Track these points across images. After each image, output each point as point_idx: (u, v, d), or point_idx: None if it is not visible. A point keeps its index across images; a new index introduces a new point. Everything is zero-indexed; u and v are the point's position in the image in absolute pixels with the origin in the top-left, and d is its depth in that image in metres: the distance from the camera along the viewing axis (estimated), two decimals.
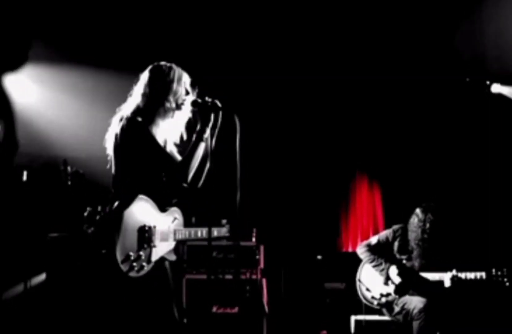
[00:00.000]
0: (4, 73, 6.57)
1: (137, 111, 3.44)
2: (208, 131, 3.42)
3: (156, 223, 3.33)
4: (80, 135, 6.56)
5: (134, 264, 3.18)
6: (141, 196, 3.27)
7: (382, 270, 5.37)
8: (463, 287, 5.29)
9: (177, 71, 3.52)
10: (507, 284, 5.06)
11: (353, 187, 7.32)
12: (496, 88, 5.51)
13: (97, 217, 5.47)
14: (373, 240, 5.57)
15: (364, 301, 5.47)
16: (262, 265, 5.77)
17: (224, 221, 4.06)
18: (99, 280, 5.13)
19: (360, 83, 6.87)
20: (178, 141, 3.60)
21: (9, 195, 6.15)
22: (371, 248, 5.50)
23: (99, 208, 5.48)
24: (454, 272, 5.15)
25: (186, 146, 3.50)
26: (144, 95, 3.48)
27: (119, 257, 3.13)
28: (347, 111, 7.12)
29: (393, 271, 5.33)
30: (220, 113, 3.40)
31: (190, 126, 3.57)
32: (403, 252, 5.44)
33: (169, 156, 3.49)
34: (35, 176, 6.07)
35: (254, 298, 5.61)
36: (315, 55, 6.91)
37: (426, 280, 5.26)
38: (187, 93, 3.54)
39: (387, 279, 5.34)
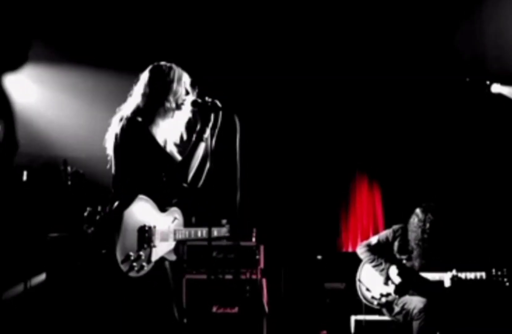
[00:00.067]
0: (4, 73, 6.57)
1: (137, 111, 3.44)
2: (208, 131, 3.42)
3: (156, 223, 3.33)
4: (80, 135, 6.56)
5: (134, 264, 3.18)
6: (141, 196, 3.27)
7: (382, 270, 5.38)
8: (463, 287, 5.29)
9: (177, 71, 3.52)
10: (507, 284, 5.06)
11: (353, 187, 7.32)
12: (496, 88, 5.51)
13: (97, 217, 5.47)
14: (373, 240, 5.57)
15: (364, 301, 5.47)
16: (262, 265, 5.77)
17: (224, 221, 4.06)
18: (99, 280, 5.13)
19: (360, 83, 6.87)
20: (178, 141, 3.60)
21: (9, 195, 6.15)
22: (371, 248, 5.50)
23: (99, 208, 5.48)
24: (454, 272, 5.15)
25: (186, 146, 3.50)
26: (144, 95, 3.48)
27: (119, 257, 3.13)
28: (347, 111, 7.12)
29: (393, 271, 5.33)
30: (220, 113, 3.40)
31: (190, 126, 3.57)
32: (403, 252, 5.44)
33: (169, 156, 3.49)
34: (35, 176, 6.07)
35: (254, 298, 5.61)
36: (315, 55, 6.91)
37: (426, 280, 5.27)
38: (187, 93, 3.54)
39: (387, 279, 5.34)
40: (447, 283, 5.15)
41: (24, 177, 5.94)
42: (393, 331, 5.38)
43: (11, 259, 5.89)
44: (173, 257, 3.43)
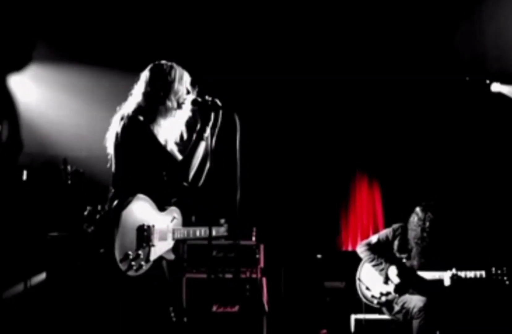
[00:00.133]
0: (8, 74, 6.58)
1: (138, 110, 3.44)
2: (208, 130, 3.42)
3: (155, 222, 3.33)
4: (80, 134, 6.57)
5: (133, 263, 3.18)
6: (140, 195, 3.27)
7: (381, 270, 5.38)
8: (463, 286, 5.29)
9: (178, 70, 3.52)
10: (507, 283, 5.06)
11: (353, 186, 7.32)
12: (495, 87, 5.53)
13: (97, 216, 5.48)
14: (373, 239, 5.57)
15: (364, 300, 5.47)
16: (262, 264, 5.77)
17: (222, 221, 4.06)
18: (98, 279, 5.13)
19: (360, 83, 6.87)
20: (178, 140, 3.60)
21: (9, 195, 6.15)
22: (371, 247, 5.51)
23: (99, 207, 5.49)
24: (454, 271, 5.15)
25: (187, 145, 3.50)
26: (145, 94, 3.48)
27: (117, 256, 3.13)
28: (347, 111, 7.12)
29: (392, 271, 5.33)
30: (220, 112, 3.41)
31: (190, 125, 3.57)
32: (403, 251, 5.44)
33: (170, 155, 3.49)
34: (35, 175, 6.08)
35: (254, 297, 5.61)
36: (315, 55, 6.91)
37: (425, 280, 5.27)
38: (187, 92, 3.54)
39: (387, 278, 5.35)
40: (447, 282, 5.15)
41: (24, 177, 5.94)
42: (393, 330, 5.39)
43: (11, 258, 5.90)
44: (171, 256, 3.43)
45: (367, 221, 7.25)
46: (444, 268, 5.19)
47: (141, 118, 3.40)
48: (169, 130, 3.54)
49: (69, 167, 5.85)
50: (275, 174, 6.97)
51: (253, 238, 5.74)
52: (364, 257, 5.52)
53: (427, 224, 5.35)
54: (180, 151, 3.58)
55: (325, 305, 6.30)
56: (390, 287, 5.34)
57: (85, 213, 5.57)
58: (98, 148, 3.57)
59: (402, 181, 6.91)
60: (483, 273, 5.10)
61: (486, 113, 6.48)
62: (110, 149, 3.46)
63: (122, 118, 3.43)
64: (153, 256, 3.30)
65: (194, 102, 3.46)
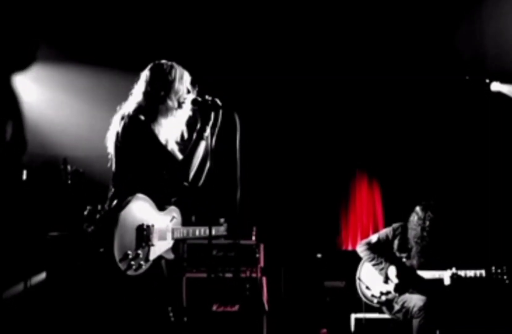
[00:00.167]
0: (12, 74, 6.58)
1: (139, 110, 3.44)
2: (208, 130, 3.42)
3: (155, 221, 3.32)
4: (80, 134, 6.57)
5: (132, 262, 3.18)
6: (139, 195, 3.27)
7: (381, 269, 5.38)
8: (462, 285, 5.30)
9: (178, 69, 3.52)
10: (507, 281, 5.06)
11: (353, 185, 7.33)
12: (495, 86, 5.53)
13: (97, 216, 5.47)
14: (373, 238, 5.57)
15: (364, 299, 5.47)
16: (262, 264, 5.77)
17: (222, 220, 4.06)
18: (98, 279, 5.13)
19: (360, 83, 6.87)
20: (179, 140, 3.60)
21: (9, 194, 6.15)
22: (371, 247, 5.51)
23: (99, 207, 5.49)
24: (453, 270, 5.16)
25: (187, 145, 3.49)
26: (146, 94, 3.48)
27: (117, 255, 3.13)
28: (347, 111, 7.12)
29: (392, 271, 5.33)
30: (220, 111, 3.41)
31: (190, 124, 3.57)
32: (403, 250, 5.44)
33: (171, 155, 3.49)
34: (35, 175, 6.07)
35: (254, 296, 5.62)
36: (315, 55, 6.91)
37: (425, 279, 5.27)
38: (188, 91, 3.54)
39: (387, 278, 5.35)
40: (447, 281, 5.15)
41: (24, 176, 5.94)
42: (393, 329, 5.39)
43: (11, 258, 5.89)
44: (171, 256, 3.43)
45: (367, 221, 7.25)
46: (444, 267, 5.20)
47: (142, 117, 3.40)
48: (170, 129, 3.54)
49: (69, 167, 5.84)
50: (275, 173, 6.98)
51: (253, 238, 5.74)
52: (364, 257, 5.53)
53: (427, 223, 5.35)
54: (181, 150, 3.58)
55: (325, 305, 6.30)
56: (390, 287, 5.34)
57: (85, 212, 5.57)
58: (98, 148, 3.57)
59: (402, 181, 6.91)
60: (483, 272, 5.11)
61: (486, 112, 6.49)
62: (111, 148, 3.46)
63: (122, 118, 3.43)
64: (153, 255, 3.30)
65: (194, 102, 3.47)
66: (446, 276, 5.16)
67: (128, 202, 3.21)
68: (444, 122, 6.82)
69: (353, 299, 5.60)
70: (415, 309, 5.10)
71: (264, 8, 6.69)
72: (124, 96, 3.58)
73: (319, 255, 6.56)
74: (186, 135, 3.58)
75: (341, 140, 7.13)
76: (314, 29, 6.81)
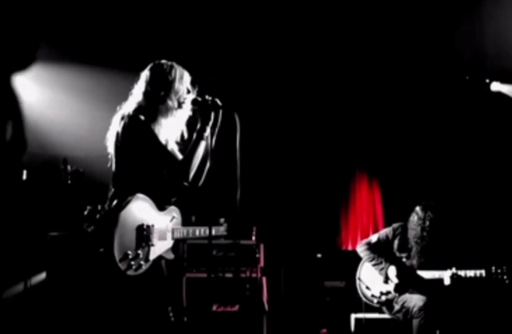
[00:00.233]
0: (12, 74, 6.59)
1: (139, 110, 3.44)
2: (208, 130, 3.42)
3: (154, 221, 3.32)
4: (80, 134, 6.57)
5: (132, 262, 3.18)
6: (139, 195, 3.27)
7: (381, 269, 5.38)
8: (462, 285, 5.30)
9: (179, 69, 3.52)
10: (507, 281, 5.07)
11: (353, 185, 7.33)
12: (495, 86, 5.54)
13: (97, 216, 5.47)
14: (373, 238, 5.57)
15: (364, 299, 5.47)
16: (262, 264, 5.77)
17: (222, 220, 4.06)
18: (98, 279, 5.13)
19: (360, 83, 6.87)
20: (179, 140, 3.60)
21: (9, 194, 6.15)
22: (371, 247, 5.51)
23: (99, 207, 5.49)
24: (453, 270, 5.16)
25: (187, 145, 3.49)
26: (146, 94, 3.48)
27: (117, 255, 3.13)
28: (347, 111, 7.13)
29: (392, 271, 5.34)
30: (220, 111, 3.41)
31: (190, 124, 3.57)
32: (403, 250, 5.45)
33: (171, 155, 3.49)
34: (35, 175, 6.08)
35: (254, 296, 5.62)
36: (315, 55, 6.91)
37: (425, 279, 5.27)
38: (188, 91, 3.54)
39: (387, 278, 5.35)
40: (447, 281, 5.16)
41: (24, 176, 5.94)
42: (393, 329, 5.39)
43: (11, 258, 5.89)
44: (171, 256, 3.43)
45: (367, 221, 7.25)
46: (444, 267, 5.20)
47: (142, 117, 3.40)
48: (170, 129, 3.54)
49: (69, 167, 5.84)
50: (275, 173, 6.98)
51: (253, 238, 5.74)
52: (364, 257, 5.53)
53: (427, 223, 5.35)
54: (181, 150, 3.58)
55: (325, 305, 6.30)
56: (390, 286, 5.34)
57: (85, 212, 5.57)
58: (98, 148, 3.57)
59: (402, 181, 6.91)
60: (483, 272, 5.11)
61: (486, 112, 6.49)
62: (111, 148, 3.46)
63: (122, 118, 3.43)
64: (153, 255, 3.30)
65: (194, 102, 3.47)
66: (446, 276, 5.16)
67: (128, 202, 3.21)
68: (444, 122, 6.82)
69: (353, 299, 5.60)
70: (415, 309, 5.10)
71: (264, 8, 6.69)
72: (124, 96, 3.58)
73: (319, 255, 6.56)
74: (186, 135, 3.58)
75: (341, 140, 7.13)
76: (314, 29, 6.81)
